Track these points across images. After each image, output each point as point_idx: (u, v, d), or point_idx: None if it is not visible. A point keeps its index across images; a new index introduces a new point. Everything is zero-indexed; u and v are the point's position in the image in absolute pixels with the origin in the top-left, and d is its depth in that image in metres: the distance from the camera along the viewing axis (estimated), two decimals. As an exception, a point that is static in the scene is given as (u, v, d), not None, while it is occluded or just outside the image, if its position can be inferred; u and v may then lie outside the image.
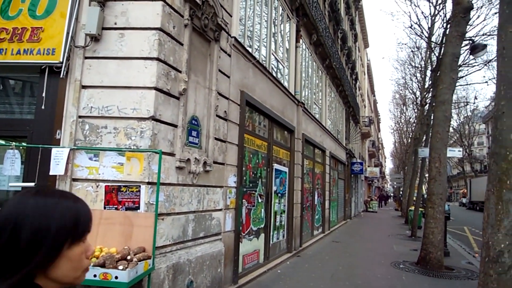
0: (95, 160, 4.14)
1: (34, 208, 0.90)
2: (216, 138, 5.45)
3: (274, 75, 8.63)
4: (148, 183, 4.06)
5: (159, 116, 4.24)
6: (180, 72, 4.62)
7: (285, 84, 9.61)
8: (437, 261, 8.50)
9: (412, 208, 16.67)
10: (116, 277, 3.19)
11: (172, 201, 4.43)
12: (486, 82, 35.45)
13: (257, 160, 7.51)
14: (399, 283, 7.20)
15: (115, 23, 4.34)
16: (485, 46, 9.52)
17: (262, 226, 7.74)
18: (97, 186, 4.10)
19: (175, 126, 4.54)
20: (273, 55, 8.90)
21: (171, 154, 4.46)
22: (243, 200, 6.70)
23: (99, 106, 4.22)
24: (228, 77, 6.01)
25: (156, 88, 4.19)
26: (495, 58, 3.49)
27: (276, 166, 8.44)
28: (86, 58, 4.31)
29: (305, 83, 12.09)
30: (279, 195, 8.83)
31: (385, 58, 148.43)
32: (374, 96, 53.48)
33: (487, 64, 15.45)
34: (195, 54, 5.00)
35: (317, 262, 8.85)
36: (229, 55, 6.07)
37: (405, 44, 24.45)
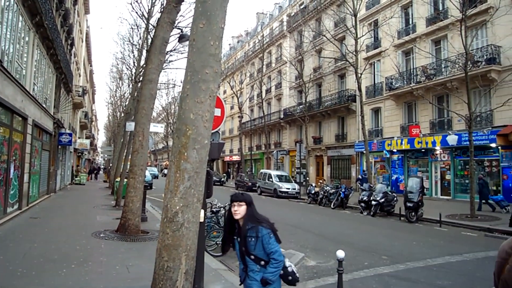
0: None
1: None
2: None
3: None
4: None
5: None
6: None
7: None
8: (134, 226, 9.47)
9: (118, 179, 17.45)
10: None
11: None
12: None
13: None
14: (98, 251, 7.58)
15: None
16: (190, 37, 11.10)
17: None
18: None
19: None
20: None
21: None
22: None
23: None
24: None
25: None
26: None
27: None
28: None
29: (6, 38, 10.32)
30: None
31: (104, 29, 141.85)
32: (91, 66, 50.96)
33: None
34: None
35: (8, 242, 7.98)
36: None
37: (126, 20, 24.62)
